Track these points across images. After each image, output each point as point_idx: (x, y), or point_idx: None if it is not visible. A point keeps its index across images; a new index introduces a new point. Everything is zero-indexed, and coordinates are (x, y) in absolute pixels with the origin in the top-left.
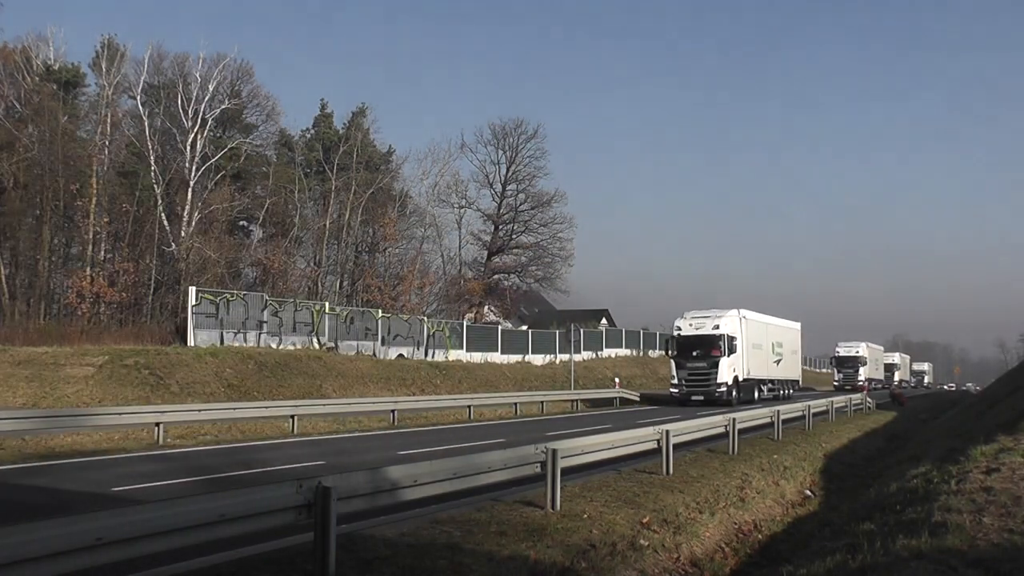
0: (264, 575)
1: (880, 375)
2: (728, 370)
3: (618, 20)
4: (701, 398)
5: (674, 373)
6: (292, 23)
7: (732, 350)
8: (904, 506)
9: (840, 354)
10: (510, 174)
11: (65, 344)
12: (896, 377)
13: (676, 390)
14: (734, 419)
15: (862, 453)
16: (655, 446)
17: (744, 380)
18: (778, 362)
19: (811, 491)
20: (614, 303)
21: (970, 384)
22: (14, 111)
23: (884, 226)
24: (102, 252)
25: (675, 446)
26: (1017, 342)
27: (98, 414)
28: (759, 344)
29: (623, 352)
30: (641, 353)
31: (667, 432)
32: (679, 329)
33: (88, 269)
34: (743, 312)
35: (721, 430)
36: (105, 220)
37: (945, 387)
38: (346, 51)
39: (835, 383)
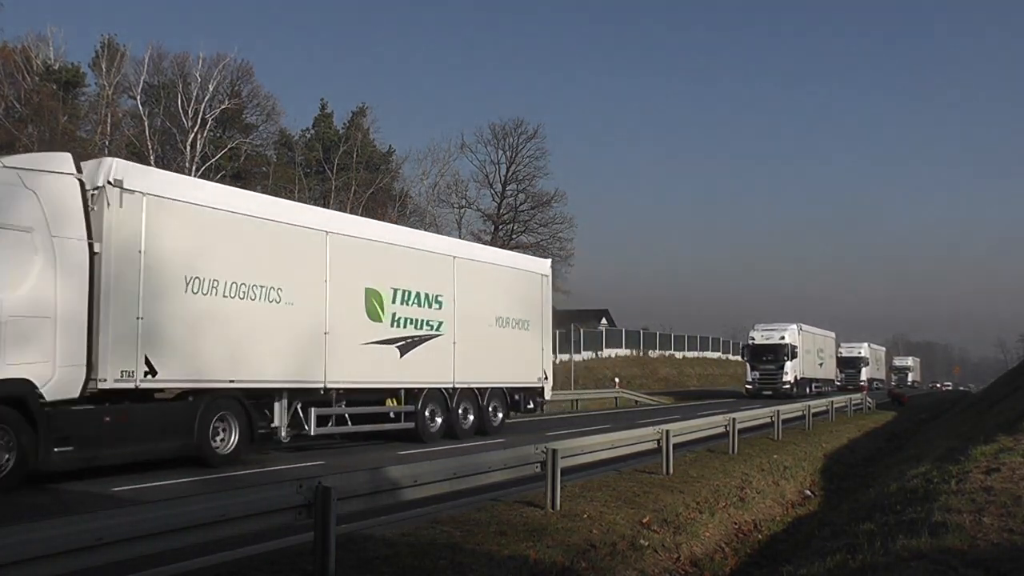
0: (264, 575)
1: (828, 373)
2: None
3: (620, 18)
4: None
5: None
6: (292, 23)
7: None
8: (904, 506)
9: (756, 342)
10: (510, 174)
11: None
12: (863, 375)
13: None
14: (734, 419)
15: (862, 453)
16: (655, 446)
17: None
18: (406, 347)
19: (811, 491)
20: (614, 303)
21: (972, 385)
22: (14, 111)
23: (884, 226)
24: None
25: (675, 446)
26: (1017, 342)
27: None
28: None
29: (623, 352)
30: (641, 353)
31: (667, 432)
32: None
33: None
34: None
35: (721, 430)
36: None
37: (938, 385)
38: (346, 51)
39: (747, 385)
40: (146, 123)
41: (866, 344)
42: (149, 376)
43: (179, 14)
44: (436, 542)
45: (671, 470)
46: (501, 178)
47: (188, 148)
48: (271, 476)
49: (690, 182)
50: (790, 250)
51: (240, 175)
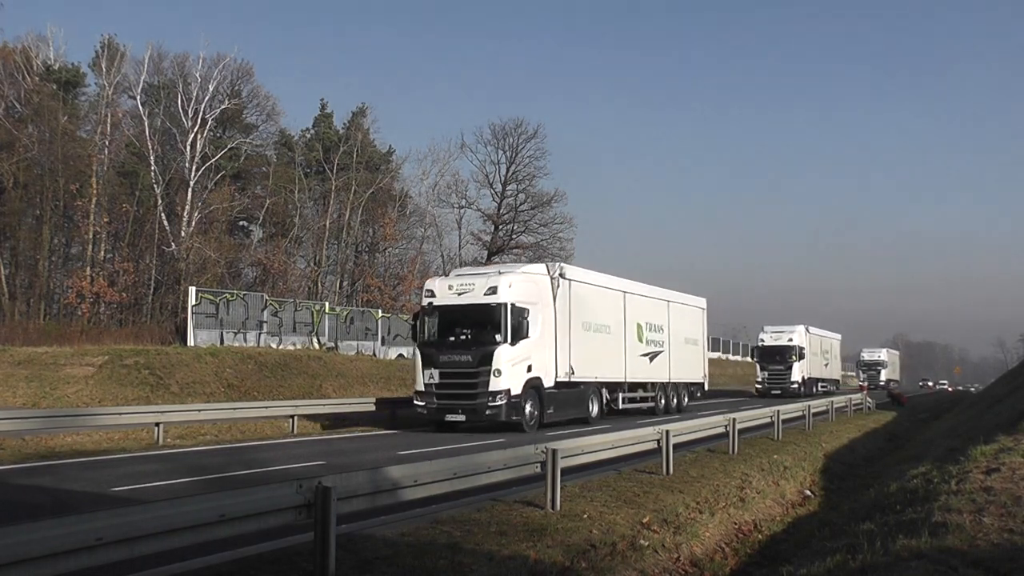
0: (264, 575)
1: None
2: None
3: (620, 19)
4: None
5: None
6: (292, 23)
7: None
8: (904, 506)
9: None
10: (510, 174)
11: (65, 344)
12: (797, 373)
13: None
14: (734, 419)
15: (862, 453)
16: (655, 446)
17: None
18: None
19: (811, 491)
20: None
21: (974, 385)
22: (14, 111)
23: (884, 226)
24: (102, 252)
25: (675, 446)
26: (1017, 342)
27: (98, 414)
28: None
29: None
30: None
31: (667, 432)
32: None
33: (88, 269)
34: None
35: (721, 430)
36: (105, 220)
37: (930, 384)
38: (346, 51)
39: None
40: (146, 123)
41: (801, 327)
42: None
43: (179, 14)
44: (436, 542)
45: (671, 470)
46: (501, 178)
47: (188, 148)
48: (271, 476)
49: (691, 181)
50: (791, 249)
51: (240, 175)
